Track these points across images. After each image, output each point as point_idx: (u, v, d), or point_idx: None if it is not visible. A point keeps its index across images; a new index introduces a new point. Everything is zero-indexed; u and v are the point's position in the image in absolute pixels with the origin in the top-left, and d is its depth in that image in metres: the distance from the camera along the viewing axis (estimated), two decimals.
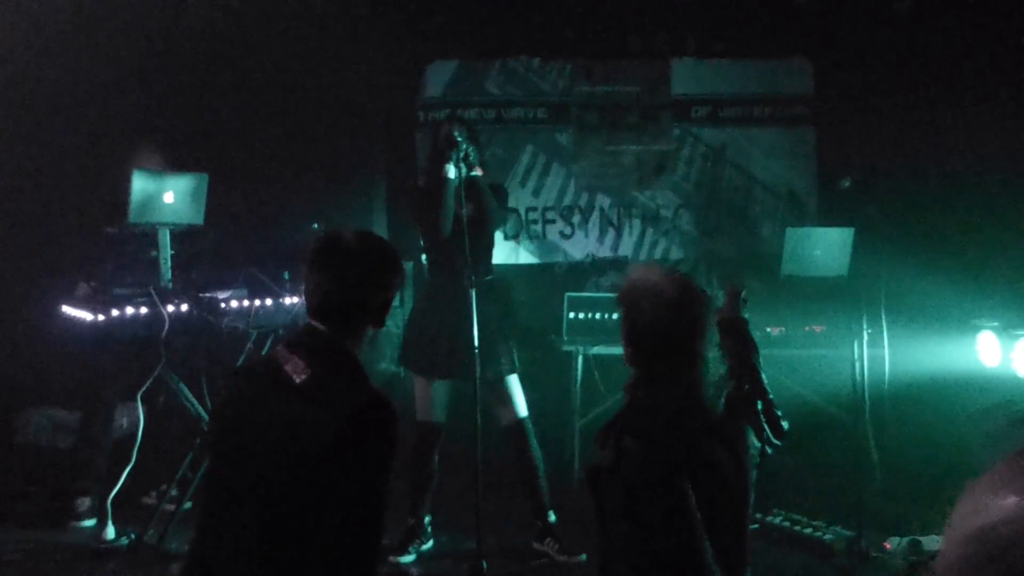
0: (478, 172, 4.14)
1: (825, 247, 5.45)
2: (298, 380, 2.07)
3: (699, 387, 2.26)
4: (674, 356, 2.21)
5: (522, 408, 4.32)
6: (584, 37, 6.39)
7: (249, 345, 4.52)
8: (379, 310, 2.19)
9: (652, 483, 2.09)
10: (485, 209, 4.13)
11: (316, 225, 5.37)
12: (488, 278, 4.28)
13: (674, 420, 2.20)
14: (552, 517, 4.32)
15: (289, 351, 2.13)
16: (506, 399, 4.28)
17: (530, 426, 4.32)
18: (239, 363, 4.27)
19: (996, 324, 4.46)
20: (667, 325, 2.19)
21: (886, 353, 4.74)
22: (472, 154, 4.09)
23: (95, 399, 4.57)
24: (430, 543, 4.37)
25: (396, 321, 5.69)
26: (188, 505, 4.31)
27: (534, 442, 4.32)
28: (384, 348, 5.65)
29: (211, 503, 2.15)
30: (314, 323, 2.15)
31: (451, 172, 4.03)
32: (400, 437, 2.12)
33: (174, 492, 4.45)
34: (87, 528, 4.50)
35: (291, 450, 2.02)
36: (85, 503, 4.54)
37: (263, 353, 4.34)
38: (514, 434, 4.30)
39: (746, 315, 2.65)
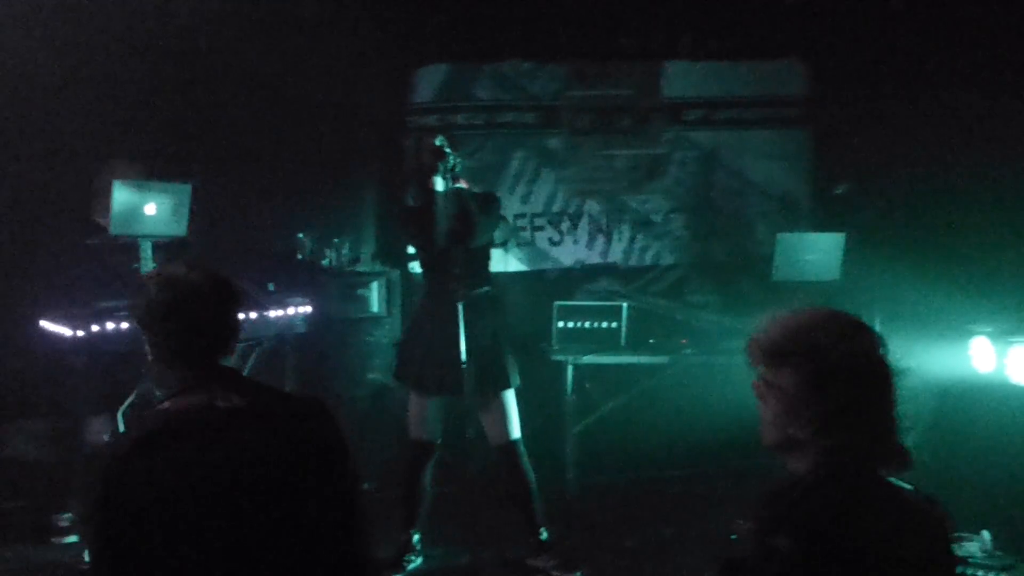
0: (462, 184, 4.08)
1: (817, 252, 5.42)
2: (248, 409, 2.02)
3: (898, 441, 1.79)
4: (875, 397, 1.76)
5: (514, 429, 4.20)
6: (575, 39, 6.33)
7: (233, 358, 4.44)
8: (234, 341, 2.16)
9: None
10: (470, 222, 4.06)
11: (301, 235, 5.32)
12: (483, 290, 4.19)
13: (850, 509, 1.70)
14: (544, 535, 4.26)
15: (205, 393, 2.02)
16: (497, 418, 4.18)
17: (522, 449, 4.21)
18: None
19: (990, 329, 4.40)
20: (863, 354, 1.78)
21: None
22: (458, 165, 4.03)
23: (64, 414, 4.50)
24: (419, 560, 4.30)
25: (384, 331, 5.64)
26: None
27: (525, 464, 4.21)
28: (373, 359, 5.58)
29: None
30: (200, 363, 2.07)
31: (439, 184, 3.96)
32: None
33: None
34: (69, 545, 4.44)
35: (284, 472, 1.99)
36: (65, 520, 4.48)
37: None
38: (504, 456, 4.21)
39: None
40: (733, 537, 1.68)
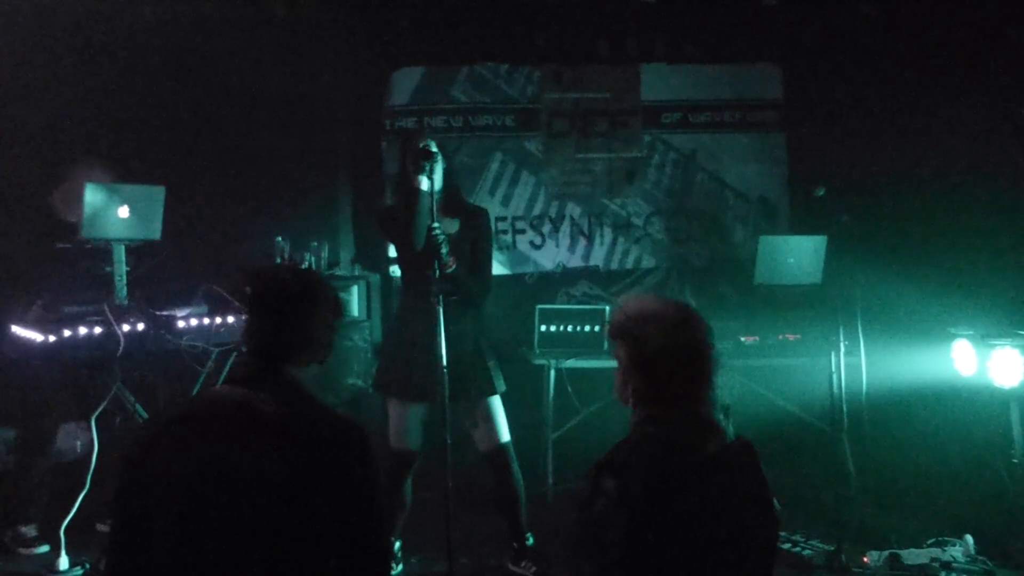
0: (452, 267, 3.92)
1: (798, 255, 5.41)
2: (277, 417, 2.01)
3: (708, 416, 2.12)
4: (686, 381, 2.10)
5: (503, 433, 4.13)
6: (553, 42, 6.31)
7: (210, 363, 4.36)
8: (322, 348, 2.18)
9: (617, 527, 1.98)
10: (486, 255, 4.13)
11: (280, 238, 5.23)
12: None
13: (668, 455, 2.06)
14: (530, 540, 4.20)
15: (248, 389, 2.05)
16: (486, 423, 4.10)
17: (512, 452, 4.14)
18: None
19: (972, 332, 4.40)
20: (679, 347, 2.10)
21: (863, 362, 4.68)
22: (445, 255, 3.85)
23: (33, 422, 4.37)
24: (399, 568, 4.24)
25: (363, 335, 5.56)
26: None
27: (516, 469, 4.14)
28: (352, 363, 5.50)
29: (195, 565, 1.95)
30: (259, 361, 2.11)
31: (424, 184, 3.89)
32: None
33: None
34: (39, 555, 4.32)
35: (291, 489, 1.95)
36: (30, 531, 4.36)
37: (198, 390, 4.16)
38: (494, 460, 4.13)
39: None
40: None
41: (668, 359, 2.09)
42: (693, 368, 2.10)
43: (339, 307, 2.26)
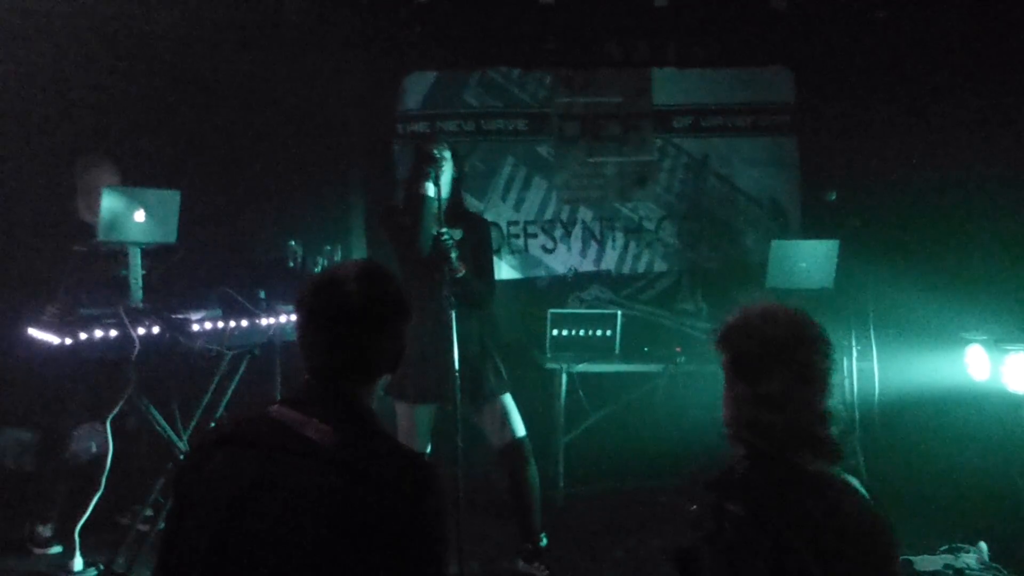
0: (462, 272, 3.96)
1: (810, 259, 5.41)
2: (329, 446, 1.77)
3: (823, 418, 1.93)
4: (783, 387, 1.91)
5: (519, 428, 4.17)
6: (564, 47, 6.32)
7: (224, 366, 4.38)
8: (394, 359, 1.96)
9: (760, 552, 1.83)
10: (489, 261, 4.19)
11: (293, 242, 5.25)
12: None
13: (786, 470, 1.90)
14: (544, 541, 4.21)
15: (302, 413, 1.82)
16: (501, 420, 4.13)
17: (528, 447, 4.18)
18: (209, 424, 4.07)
19: (985, 338, 4.39)
20: (783, 340, 1.93)
21: (875, 367, 4.67)
22: (455, 260, 3.90)
23: (50, 423, 4.41)
24: None
25: None
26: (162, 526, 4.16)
27: (532, 463, 4.18)
28: None
29: None
30: (322, 380, 1.89)
31: (430, 190, 3.90)
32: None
33: (148, 513, 4.33)
34: (53, 556, 4.36)
35: (338, 527, 1.71)
36: (47, 531, 4.39)
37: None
38: (511, 456, 4.15)
39: None
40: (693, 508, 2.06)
41: (765, 363, 1.92)
42: (794, 374, 1.92)
43: (408, 309, 2.00)
